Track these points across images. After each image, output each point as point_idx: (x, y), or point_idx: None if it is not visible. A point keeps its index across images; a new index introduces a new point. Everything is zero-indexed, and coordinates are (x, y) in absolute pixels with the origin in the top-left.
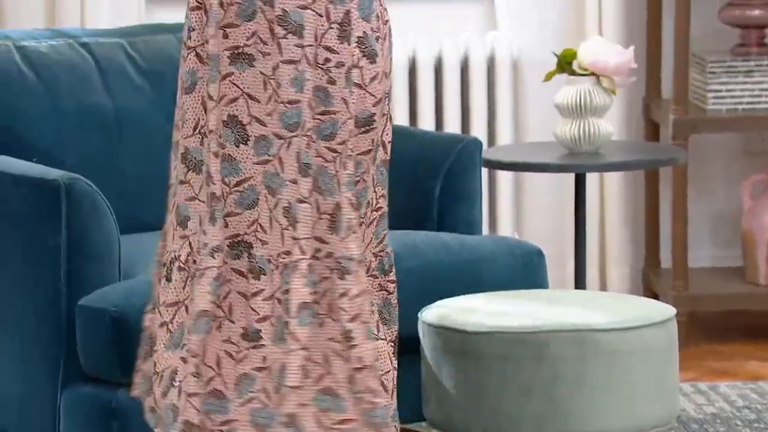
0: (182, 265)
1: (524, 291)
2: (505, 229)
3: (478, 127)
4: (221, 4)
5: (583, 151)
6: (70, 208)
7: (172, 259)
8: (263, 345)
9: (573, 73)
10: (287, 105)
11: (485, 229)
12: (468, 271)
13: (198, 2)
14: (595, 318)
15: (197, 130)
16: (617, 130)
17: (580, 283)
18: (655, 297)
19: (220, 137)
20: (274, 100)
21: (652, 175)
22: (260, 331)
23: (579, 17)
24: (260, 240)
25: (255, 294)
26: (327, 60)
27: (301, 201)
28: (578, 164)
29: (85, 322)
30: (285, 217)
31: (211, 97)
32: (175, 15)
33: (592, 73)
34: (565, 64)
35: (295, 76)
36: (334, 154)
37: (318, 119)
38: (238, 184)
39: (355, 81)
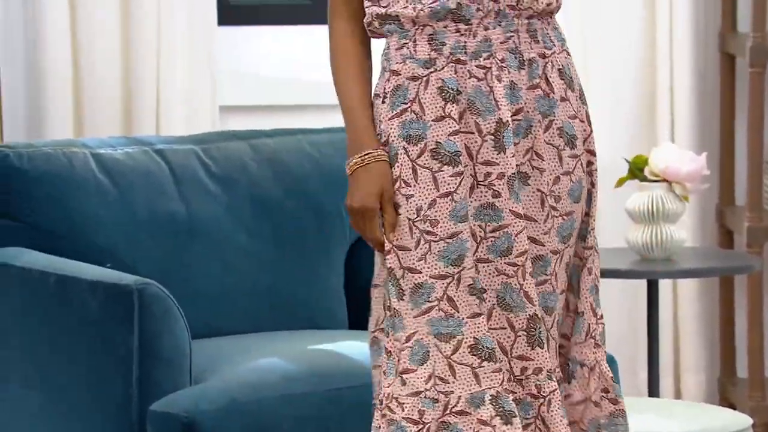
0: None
1: None
2: None
3: None
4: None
5: (656, 258)
6: (142, 313)
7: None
8: None
9: (645, 179)
10: (565, 217)
11: None
12: None
13: (459, 125)
14: (669, 427)
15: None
16: (690, 236)
17: (653, 391)
18: (732, 407)
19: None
20: (551, 216)
21: (726, 283)
22: None
23: (650, 123)
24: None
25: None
26: (590, 163)
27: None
28: (651, 271)
29: (155, 427)
30: (557, 329)
31: (519, 216)
32: (248, 122)
33: (664, 180)
34: (637, 170)
35: (572, 187)
36: (590, 250)
37: (585, 222)
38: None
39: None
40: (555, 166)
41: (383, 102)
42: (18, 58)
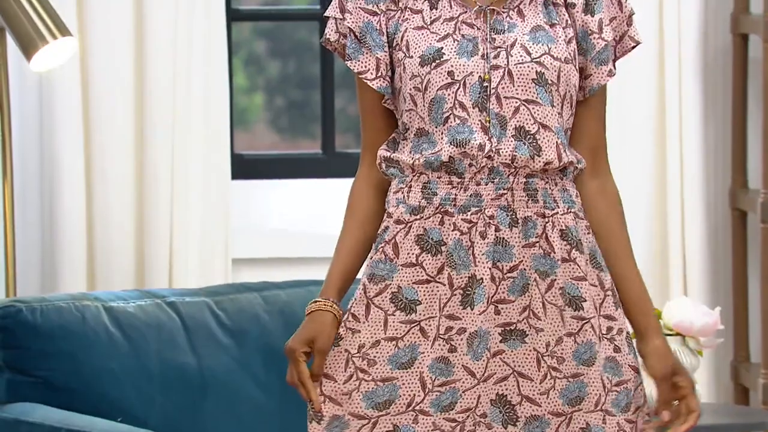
0: None
1: None
2: None
3: None
4: (492, 279)
5: None
6: None
7: None
8: None
9: None
10: (571, 379)
11: None
12: None
13: (430, 276)
14: None
15: (411, 407)
16: (705, 392)
17: None
18: None
19: (485, 416)
20: (550, 377)
21: None
22: None
23: (663, 277)
24: None
25: None
26: (609, 329)
27: None
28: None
29: None
30: None
31: (473, 374)
32: (261, 274)
33: (678, 334)
34: None
35: (578, 349)
36: (631, 425)
37: (615, 391)
38: None
39: (634, 346)
40: (557, 326)
41: (374, 242)
42: (32, 210)
